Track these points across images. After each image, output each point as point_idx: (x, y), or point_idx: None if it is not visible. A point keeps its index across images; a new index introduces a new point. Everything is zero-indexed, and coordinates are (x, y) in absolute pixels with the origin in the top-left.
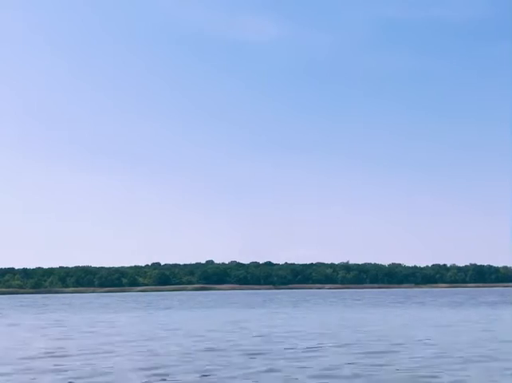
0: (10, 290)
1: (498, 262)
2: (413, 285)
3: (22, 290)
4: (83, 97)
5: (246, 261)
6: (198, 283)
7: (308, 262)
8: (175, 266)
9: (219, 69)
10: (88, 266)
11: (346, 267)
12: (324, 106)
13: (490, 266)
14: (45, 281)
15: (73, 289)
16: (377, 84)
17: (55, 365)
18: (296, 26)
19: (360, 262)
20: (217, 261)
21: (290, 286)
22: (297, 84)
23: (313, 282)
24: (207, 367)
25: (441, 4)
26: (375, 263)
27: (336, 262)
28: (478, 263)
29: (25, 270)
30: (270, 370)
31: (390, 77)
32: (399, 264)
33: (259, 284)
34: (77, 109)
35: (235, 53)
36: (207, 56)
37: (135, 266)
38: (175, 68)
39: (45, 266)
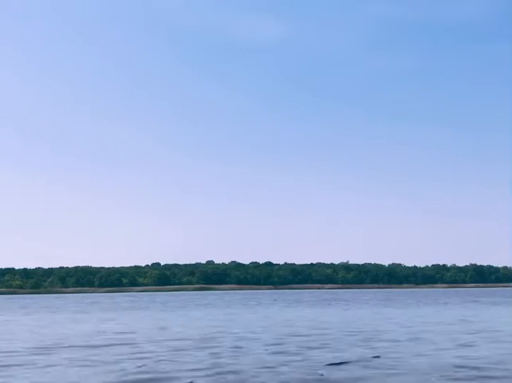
0: (10, 290)
1: (498, 262)
2: (413, 285)
3: (22, 290)
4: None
5: (245, 261)
6: (198, 283)
7: (308, 262)
8: (175, 266)
9: (211, 70)
10: (88, 266)
11: (346, 267)
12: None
13: (490, 266)
14: (44, 281)
15: (73, 289)
16: (375, 84)
17: None
18: (293, 27)
19: (360, 262)
20: (217, 261)
21: (290, 286)
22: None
23: (313, 282)
24: None
25: (441, 4)
26: (375, 263)
27: (336, 262)
28: (478, 263)
29: (25, 270)
30: None
31: (389, 78)
32: (399, 264)
33: (259, 284)
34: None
35: (229, 54)
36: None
37: (135, 266)
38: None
39: (45, 266)
